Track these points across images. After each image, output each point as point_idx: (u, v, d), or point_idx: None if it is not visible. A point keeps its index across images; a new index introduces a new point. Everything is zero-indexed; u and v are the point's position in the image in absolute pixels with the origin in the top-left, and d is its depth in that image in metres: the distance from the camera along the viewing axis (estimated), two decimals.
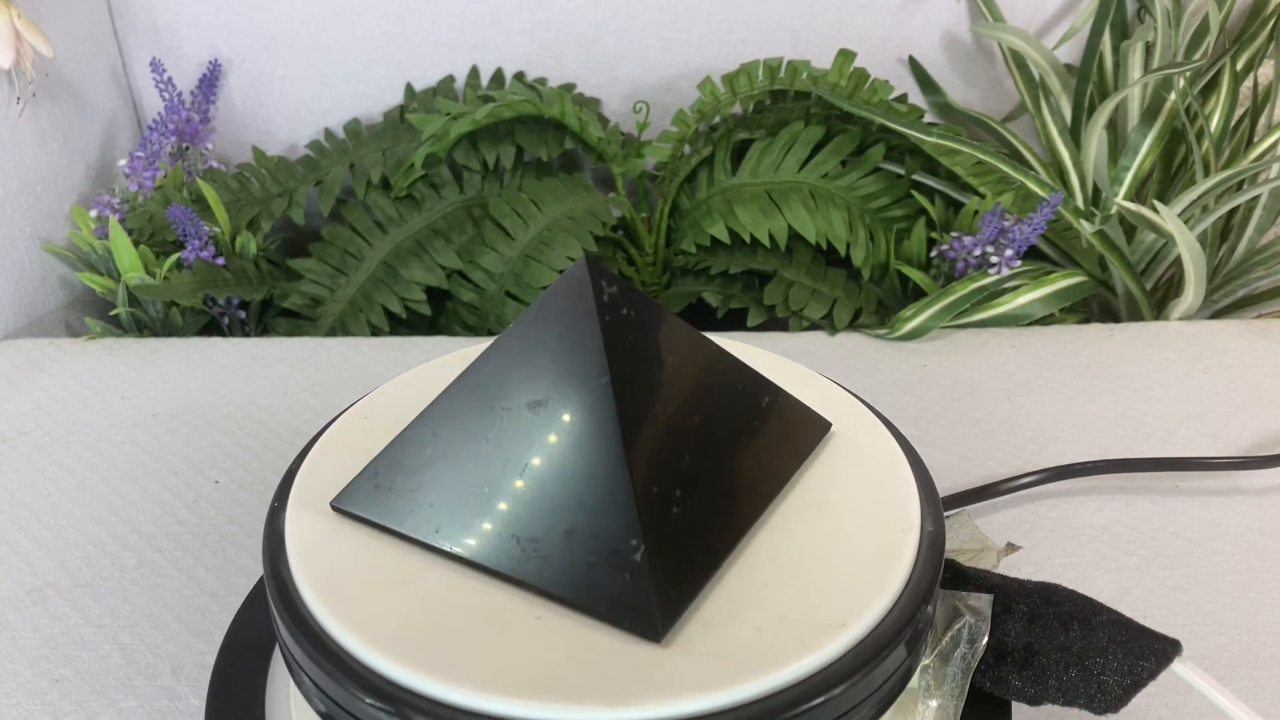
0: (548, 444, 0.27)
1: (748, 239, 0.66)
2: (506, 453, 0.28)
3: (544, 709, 0.23)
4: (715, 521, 0.27)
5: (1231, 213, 0.68)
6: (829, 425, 0.32)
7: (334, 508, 0.29)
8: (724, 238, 0.66)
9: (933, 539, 0.28)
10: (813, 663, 0.24)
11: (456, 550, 0.27)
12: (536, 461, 0.27)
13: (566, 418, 0.28)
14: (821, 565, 0.27)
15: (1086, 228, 0.62)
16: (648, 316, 0.29)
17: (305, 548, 0.28)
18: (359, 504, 0.29)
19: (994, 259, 0.62)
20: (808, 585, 0.26)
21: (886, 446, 0.32)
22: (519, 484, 0.27)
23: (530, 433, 0.28)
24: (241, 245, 0.67)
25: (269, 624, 0.31)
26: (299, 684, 0.27)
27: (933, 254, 0.65)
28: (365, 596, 0.26)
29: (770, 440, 0.30)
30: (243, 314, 0.67)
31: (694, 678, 0.24)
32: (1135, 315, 0.67)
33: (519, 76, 0.76)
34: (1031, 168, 0.70)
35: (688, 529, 0.26)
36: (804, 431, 0.31)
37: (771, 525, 0.29)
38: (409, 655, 0.24)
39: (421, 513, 0.28)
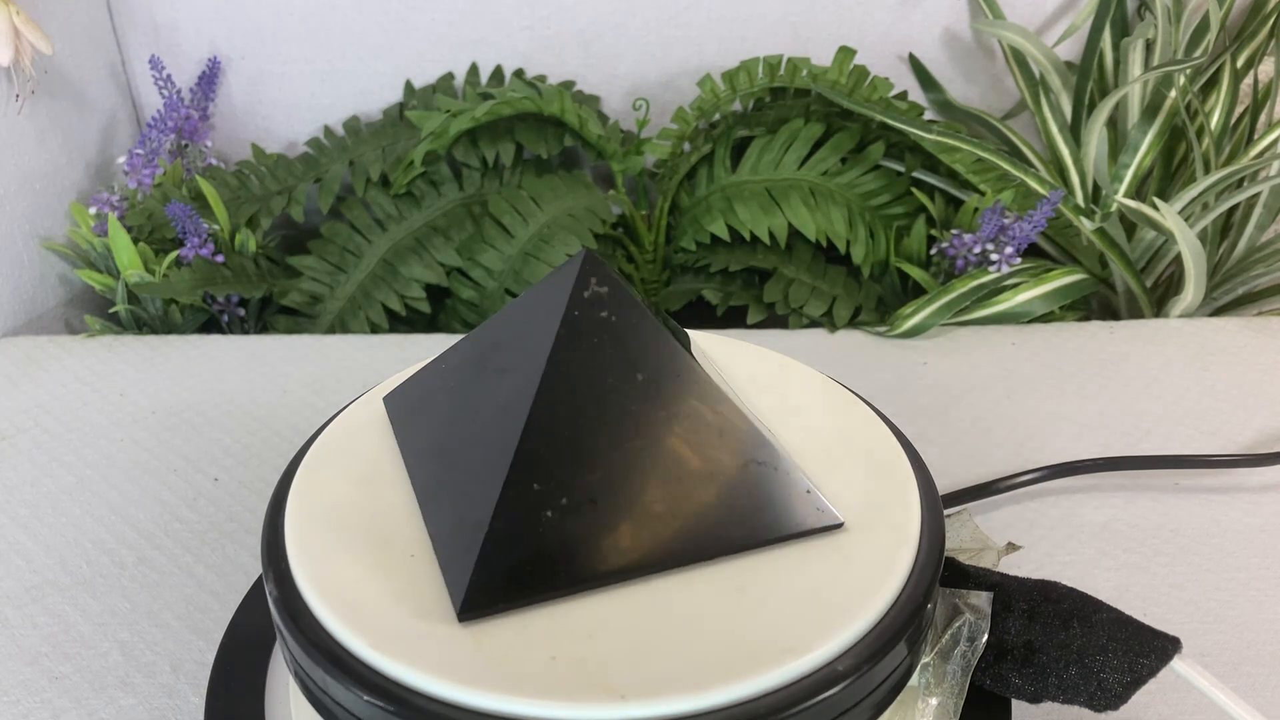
0: (490, 411, 0.28)
1: (747, 236, 0.66)
2: (467, 407, 0.29)
3: (544, 707, 0.23)
4: (598, 545, 0.26)
5: (1232, 210, 0.68)
6: (839, 522, 0.28)
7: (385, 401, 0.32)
8: (724, 235, 0.66)
9: (932, 537, 0.28)
10: (813, 661, 0.24)
11: (414, 486, 0.29)
12: (476, 425, 0.29)
13: (505, 395, 0.28)
14: (821, 563, 0.27)
15: (1087, 225, 0.62)
16: (628, 326, 0.28)
17: (305, 546, 0.28)
18: (394, 408, 0.32)
19: (994, 256, 0.62)
20: (807, 584, 0.26)
21: (886, 444, 0.32)
22: (459, 438, 0.29)
23: (486, 396, 0.29)
24: (241, 243, 0.67)
25: (269, 622, 0.31)
26: (299, 682, 0.27)
27: (933, 251, 0.65)
28: (365, 594, 0.26)
29: (730, 502, 0.27)
30: (242, 311, 0.67)
31: (695, 671, 0.24)
32: (1135, 313, 0.67)
33: (518, 74, 0.76)
34: (1031, 165, 0.69)
35: (557, 537, 0.26)
36: (789, 511, 0.27)
37: None
38: (409, 653, 0.24)
39: (413, 444, 0.30)
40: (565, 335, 0.28)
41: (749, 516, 0.27)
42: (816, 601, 0.26)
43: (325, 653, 0.25)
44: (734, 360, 0.35)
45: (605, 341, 0.28)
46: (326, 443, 0.32)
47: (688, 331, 0.35)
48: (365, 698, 0.24)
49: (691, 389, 0.28)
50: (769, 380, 0.34)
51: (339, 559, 0.27)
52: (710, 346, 0.36)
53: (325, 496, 0.29)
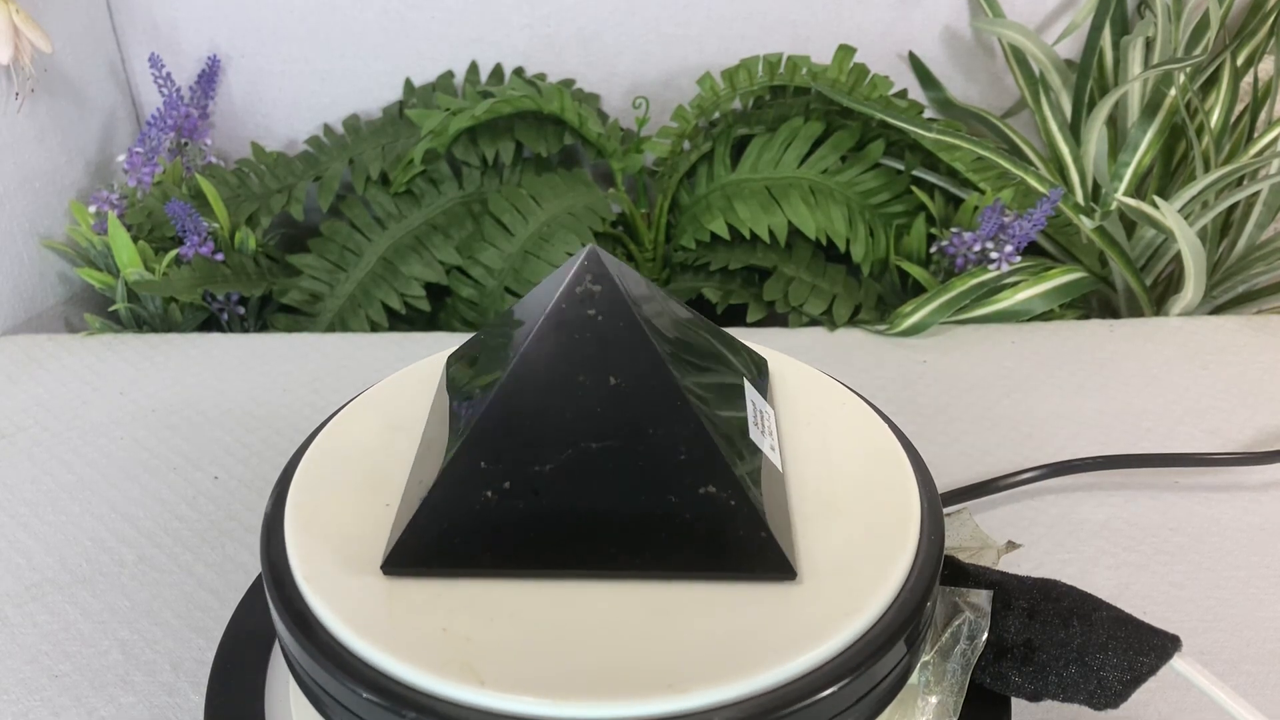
0: (478, 388, 0.29)
1: (747, 235, 0.66)
2: (470, 380, 0.30)
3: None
4: (531, 535, 0.26)
5: (1231, 208, 0.68)
6: (792, 575, 0.26)
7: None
8: (724, 233, 0.66)
9: (932, 536, 0.28)
10: (813, 659, 0.24)
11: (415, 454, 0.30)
12: (465, 400, 0.29)
13: (491, 375, 0.29)
14: (821, 562, 0.27)
15: (1086, 223, 0.62)
16: (613, 328, 0.28)
17: (304, 544, 0.28)
18: (447, 369, 0.33)
19: (994, 255, 0.62)
20: (807, 582, 0.26)
21: (886, 443, 0.32)
22: (453, 411, 0.30)
23: (482, 373, 0.30)
24: (240, 241, 0.67)
25: (268, 620, 0.31)
26: (298, 680, 0.27)
27: (932, 250, 0.65)
28: (364, 592, 0.26)
29: (677, 526, 0.26)
30: (242, 310, 0.67)
31: (690, 671, 0.24)
32: (1135, 311, 0.67)
33: (518, 72, 0.76)
34: (1031, 163, 0.69)
35: (491, 518, 0.26)
36: (740, 550, 0.26)
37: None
38: (409, 651, 0.24)
39: (435, 408, 0.32)
40: (546, 327, 0.28)
41: (694, 545, 0.26)
42: (815, 600, 0.26)
43: (324, 651, 0.25)
44: None
45: (587, 340, 0.28)
46: (326, 441, 0.32)
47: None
48: (364, 695, 0.24)
49: (664, 402, 0.27)
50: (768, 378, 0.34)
51: (339, 557, 0.27)
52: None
53: (325, 495, 0.29)
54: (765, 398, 0.32)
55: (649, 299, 0.30)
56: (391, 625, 0.25)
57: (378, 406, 0.33)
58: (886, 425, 0.33)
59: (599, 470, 0.26)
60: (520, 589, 0.26)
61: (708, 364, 0.30)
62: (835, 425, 0.32)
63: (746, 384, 0.31)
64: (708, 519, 0.26)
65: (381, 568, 0.26)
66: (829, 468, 0.30)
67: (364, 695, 0.24)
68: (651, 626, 0.25)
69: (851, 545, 0.27)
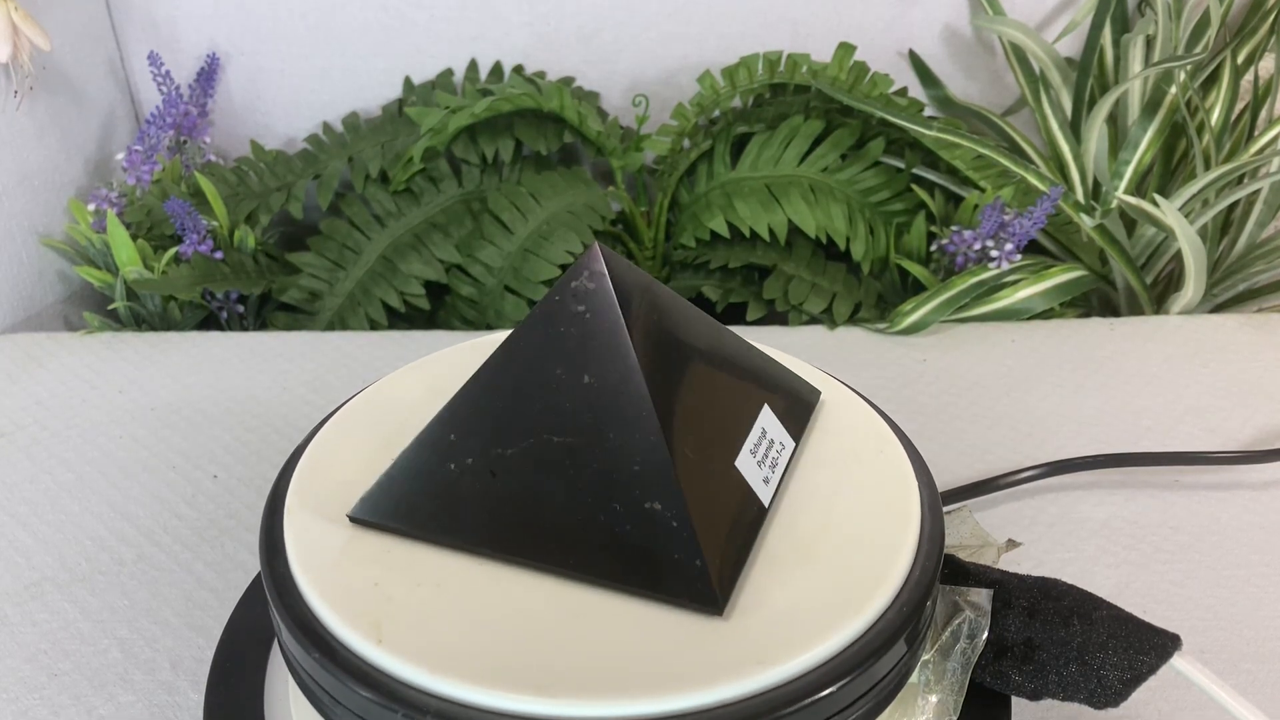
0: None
1: (747, 233, 0.66)
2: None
3: (535, 703, 0.23)
4: (481, 513, 0.27)
5: (1232, 207, 0.68)
6: (716, 611, 0.25)
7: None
8: (723, 232, 0.66)
9: (933, 534, 0.28)
10: (813, 658, 0.24)
11: None
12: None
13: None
14: (821, 561, 0.27)
15: (1087, 222, 0.62)
16: (599, 328, 0.28)
17: (303, 542, 0.28)
18: None
19: (994, 253, 0.62)
20: (807, 581, 0.26)
21: (886, 442, 0.32)
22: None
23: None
24: (240, 239, 0.67)
25: (267, 619, 0.31)
26: (297, 679, 0.27)
27: (932, 248, 0.65)
28: (363, 590, 0.26)
29: (616, 538, 0.26)
30: (241, 308, 0.67)
31: (697, 670, 0.24)
32: (1135, 310, 0.67)
33: (518, 70, 0.76)
34: (1031, 162, 0.69)
35: (448, 489, 0.27)
36: (669, 574, 0.26)
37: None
38: (332, 594, 0.25)
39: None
40: (535, 317, 0.28)
41: (628, 559, 0.26)
42: (815, 599, 0.26)
43: (324, 650, 0.25)
44: None
45: (570, 335, 0.28)
46: (325, 439, 0.32)
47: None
48: (364, 694, 0.24)
49: (628, 408, 0.27)
50: None
51: (337, 555, 0.27)
52: None
53: (324, 493, 0.29)
54: (795, 431, 0.31)
55: (653, 304, 0.29)
56: (333, 568, 0.27)
57: (377, 405, 0.33)
58: (886, 424, 0.33)
59: (555, 464, 0.27)
60: (460, 564, 0.27)
61: (708, 380, 0.29)
62: (861, 473, 0.30)
63: (765, 410, 0.30)
64: (646, 536, 0.26)
65: (348, 515, 0.28)
66: (829, 515, 0.29)
67: (314, 655, 0.25)
68: (567, 627, 0.25)
69: (809, 596, 0.26)
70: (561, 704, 0.23)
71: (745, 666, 0.24)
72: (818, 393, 0.33)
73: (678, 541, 0.25)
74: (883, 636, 0.25)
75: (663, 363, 0.28)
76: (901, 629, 0.25)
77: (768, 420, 0.30)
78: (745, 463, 0.28)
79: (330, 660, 0.25)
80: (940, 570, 0.28)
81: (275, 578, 0.27)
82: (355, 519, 0.28)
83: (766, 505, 0.28)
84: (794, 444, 0.31)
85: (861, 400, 0.34)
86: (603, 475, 0.26)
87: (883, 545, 0.27)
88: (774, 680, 0.23)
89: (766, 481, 0.29)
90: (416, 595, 0.26)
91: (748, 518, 0.27)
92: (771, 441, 0.30)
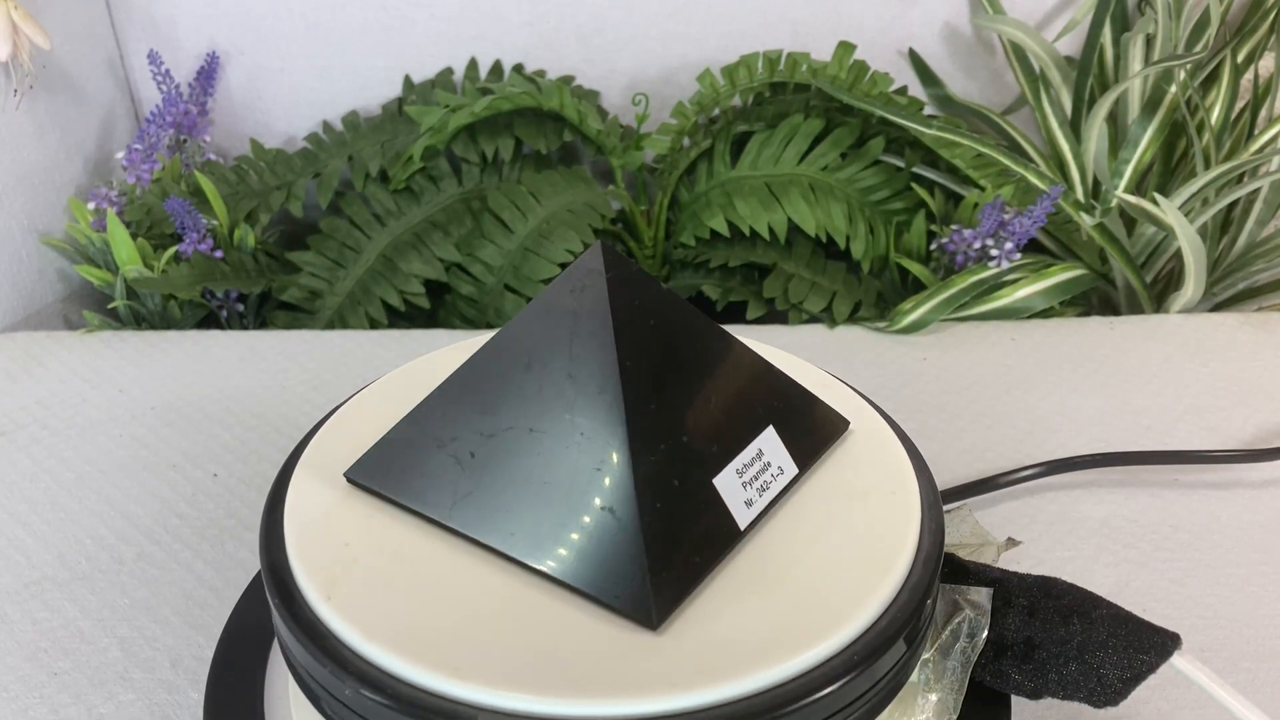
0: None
1: (747, 232, 0.66)
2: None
3: (535, 702, 0.23)
4: (454, 489, 0.28)
5: (1232, 205, 0.68)
6: (651, 625, 0.25)
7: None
8: (723, 230, 0.66)
9: (933, 533, 0.28)
10: (813, 657, 0.24)
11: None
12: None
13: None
14: (822, 560, 0.27)
15: (1086, 220, 0.62)
16: (585, 326, 0.28)
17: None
18: None
19: (994, 252, 0.62)
20: (808, 580, 0.26)
21: (886, 440, 0.32)
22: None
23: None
24: (240, 238, 0.66)
25: (267, 617, 0.31)
26: (296, 678, 0.27)
27: (932, 247, 0.65)
28: (334, 548, 0.26)
29: (571, 535, 0.26)
30: (241, 307, 0.67)
31: (692, 671, 0.24)
32: (1135, 308, 0.67)
33: (518, 68, 0.76)
34: (1031, 160, 0.69)
35: (429, 462, 0.29)
36: (616, 577, 0.25)
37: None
38: (305, 547, 0.25)
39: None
40: (533, 308, 0.29)
41: (578, 558, 0.26)
42: (815, 598, 0.26)
43: (323, 648, 0.25)
44: None
45: (560, 331, 0.28)
46: (325, 438, 0.32)
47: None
48: (364, 693, 0.24)
49: (600, 411, 0.27)
50: None
51: (337, 554, 0.27)
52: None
53: (324, 491, 0.29)
54: (803, 458, 0.30)
55: (651, 310, 0.29)
56: (318, 521, 0.28)
57: (377, 404, 0.33)
58: (886, 422, 0.33)
59: (528, 454, 0.27)
60: (433, 538, 0.28)
61: (700, 394, 0.28)
62: (862, 512, 0.29)
63: (769, 432, 0.29)
64: (597, 539, 0.26)
65: (344, 474, 0.29)
66: (828, 465, 0.30)
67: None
68: (508, 615, 0.25)
69: (756, 623, 0.25)
70: (467, 687, 0.23)
71: (656, 685, 0.23)
72: (846, 423, 0.32)
73: (625, 549, 0.25)
74: (883, 635, 0.25)
75: (648, 370, 0.28)
76: (902, 627, 0.25)
77: (769, 443, 0.29)
78: (727, 482, 0.28)
79: (287, 609, 0.26)
80: (940, 569, 0.28)
81: (269, 524, 0.28)
82: (351, 479, 0.29)
83: (743, 528, 0.27)
84: (796, 471, 0.29)
85: (861, 399, 0.34)
86: (568, 472, 0.27)
87: (883, 544, 0.27)
88: (684, 705, 0.23)
89: (749, 504, 0.28)
90: (379, 561, 0.27)
91: (717, 537, 0.27)
92: (767, 465, 0.29)
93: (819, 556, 0.27)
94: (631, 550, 0.25)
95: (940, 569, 0.28)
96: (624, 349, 0.27)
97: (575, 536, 0.26)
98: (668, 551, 0.26)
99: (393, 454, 0.29)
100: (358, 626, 0.25)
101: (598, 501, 0.26)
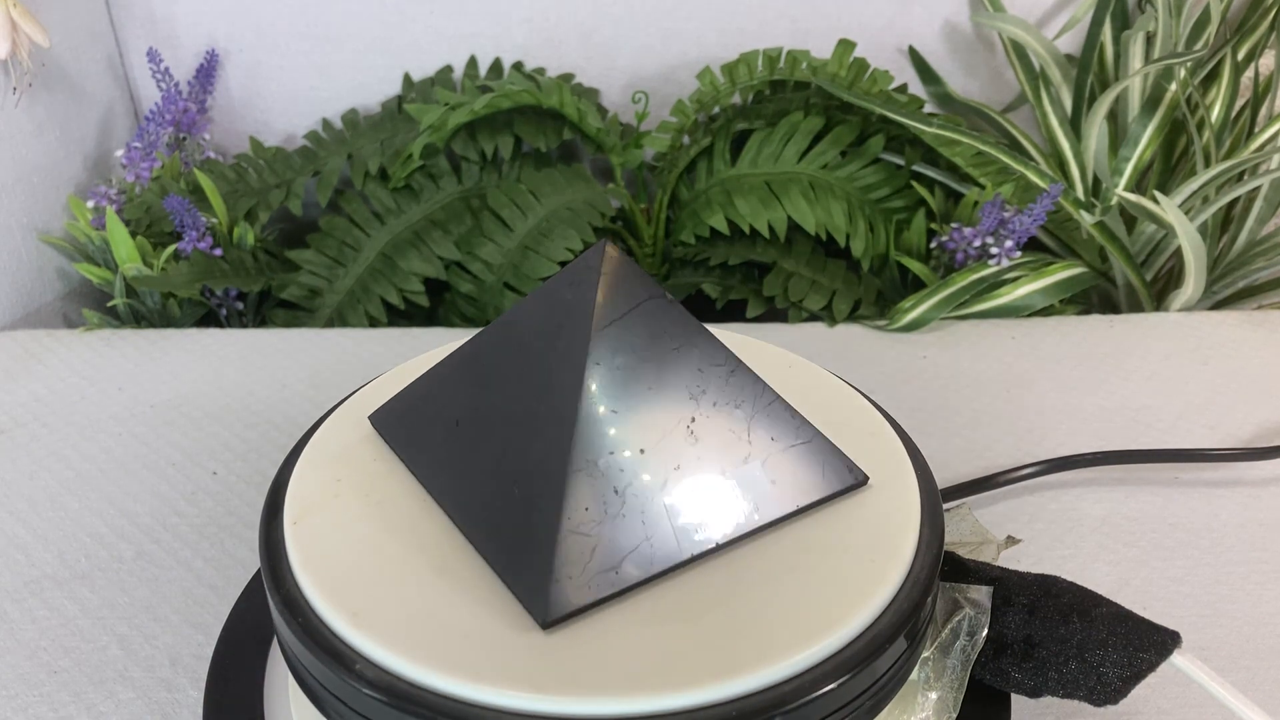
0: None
1: (747, 230, 0.66)
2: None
3: (534, 701, 0.23)
4: (441, 461, 0.29)
5: (1232, 204, 0.68)
6: (543, 622, 0.25)
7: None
8: (723, 229, 0.66)
9: (932, 531, 0.28)
10: (814, 655, 0.24)
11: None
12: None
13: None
14: (822, 559, 0.27)
15: (1087, 219, 0.62)
16: (567, 325, 0.28)
17: (301, 539, 0.28)
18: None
19: (994, 250, 0.62)
20: (808, 579, 0.26)
21: (886, 439, 0.32)
22: None
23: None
24: (239, 236, 0.66)
25: (267, 616, 0.31)
26: (296, 676, 0.27)
27: (932, 245, 0.65)
28: (362, 588, 0.26)
29: (504, 508, 0.27)
30: (240, 305, 0.67)
31: (692, 667, 0.24)
32: (1135, 306, 0.67)
33: (517, 66, 0.76)
34: (1031, 158, 0.69)
35: (425, 432, 0.30)
36: (523, 569, 0.26)
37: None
38: (302, 473, 0.26)
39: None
40: (536, 295, 0.30)
41: (508, 545, 0.26)
42: (816, 596, 0.26)
43: (322, 647, 0.25)
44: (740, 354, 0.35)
45: (549, 325, 0.29)
46: (324, 437, 0.32)
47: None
48: (364, 692, 0.24)
49: (562, 410, 0.27)
50: (768, 374, 0.34)
51: (336, 552, 0.27)
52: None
53: (323, 490, 0.29)
54: (789, 500, 0.28)
55: (645, 318, 0.28)
56: (331, 453, 0.31)
57: (377, 402, 0.33)
58: (886, 421, 0.33)
59: (499, 434, 0.28)
60: (412, 496, 0.29)
61: (674, 413, 0.28)
62: (862, 510, 0.28)
63: (752, 464, 0.28)
64: (523, 529, 0.26)
65: (368, 416, 0.32)
66: (808, 547, 0.27)
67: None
68: (438, 585, 0.26)
69: (655, 645, 0.24)
70: (360, 637, 0.25)
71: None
72: (864, 478, 0.29)
73: (541, 544, 0.26)
74: (883, 633, 0.25)
75: (619, 374, 0.27)
76: (901, 626, 0.25)
77: (749, 475, 0.28)
78: (679, 503, 0.27)
79: (287, 608, 0.26)
80: (940, 567, 0.28)
81: (268, 523, 0.29)
82: (373, 421, 0.32)
83: (687, 555, 0.26)
84: (778, 512, 0.28)
85: (861, 397, 0.34)
86: (521, 459, 0.27)
87: (883, 542, 0.27)
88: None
89: (699, 528, 0.27)
90: (355, 504, 0.29)
91: (652, 554, 0.26)
92: (736, 497, 0.27)
93: (818, 555, 0.27)
94: (545, 547, 0.25)
95: (940, 567, 0.28)
96: (598, 349, 0.27)
97: (510, 524, 0.27)
98: (585, 557, 0.25)
99: (404, 404, 0.31)
100: (307, 567, 0.26)
101: (530, 491, 0.27)
